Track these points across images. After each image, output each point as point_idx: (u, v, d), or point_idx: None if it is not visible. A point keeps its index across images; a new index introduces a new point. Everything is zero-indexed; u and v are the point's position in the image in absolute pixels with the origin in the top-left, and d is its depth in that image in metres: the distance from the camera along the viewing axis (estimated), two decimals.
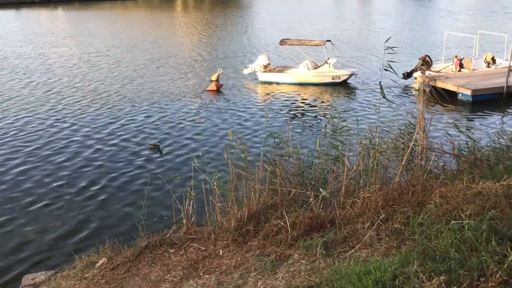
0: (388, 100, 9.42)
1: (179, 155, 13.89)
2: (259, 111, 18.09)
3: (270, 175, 7.67)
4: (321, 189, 7.13)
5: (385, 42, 7.92)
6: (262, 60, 22.27)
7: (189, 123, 16.69)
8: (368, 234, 5.86)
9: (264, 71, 22.07)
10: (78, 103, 19.15)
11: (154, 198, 10.96)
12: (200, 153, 13.43)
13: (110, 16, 50.45)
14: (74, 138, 15.29)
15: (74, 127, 16.30)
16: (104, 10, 55.11)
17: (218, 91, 20.73)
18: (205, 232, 6.94)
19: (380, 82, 8.14)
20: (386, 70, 8.19)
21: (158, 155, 13.89)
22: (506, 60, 20.40)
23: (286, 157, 8.18)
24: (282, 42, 22.68)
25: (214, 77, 21.69)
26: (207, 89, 20.90)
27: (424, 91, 8.54)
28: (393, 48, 7.98)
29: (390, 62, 7.89)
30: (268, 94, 20.61)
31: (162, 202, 10.66)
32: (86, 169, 12.99)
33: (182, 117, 17.27)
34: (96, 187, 11.92)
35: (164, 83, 22.24)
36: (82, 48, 31.58)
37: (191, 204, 7.47)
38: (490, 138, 10.60)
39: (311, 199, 6.88)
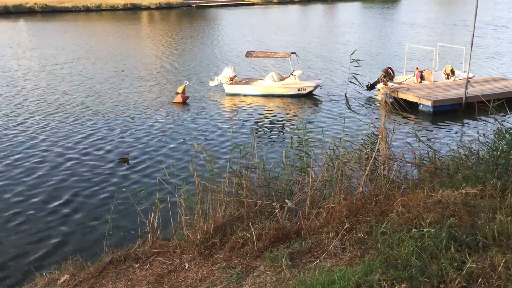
0: (353, 111, 9.63)
1: (146, 168, 13.77)
2: (225, 123, 18.12)
3: (236, 187, 7.70)
4: (286, 200, 7.20)
5: (351, 55, 8.10)
6: (228, 72, 22.34)
7: (156, 135, 16.58)
8: (332, 244, 5.93)
9: (230, 83, 22.14)
10: (45, 116, 18.77)
11: (120, 212, 10.80)
12: (167, 166, 13.35)
13: (74, 28, 49.73)
14: (39, 152, 14.98)
15: (41, 141, 15.96)
16: (68, 22, 54.28)
17: (184, 103, 20.68)
18: (170, 246, 6.89)
19: (345, 94, 8.33)
20: (351, 82, 8.40)
21: (125, 168, 13.72)
22: (464, 72, 21.08)
23: (252, 169, 8.22)
24: (248, 54, 22.83)
25: (180, 89, 21.63)
26: (173, 101, 20.83)
27: (386, 102, 8.76)
28: (358, 61, 8.17)
29: (355, 75, 8.09)
30: (234, 106, 20.68)
31: (128, 216, 10.51)
32: (52, 183, 12.75)
33: (149, 130, 17.16)
34: (61, 202, 11.70)
35: (131, 95, 22.04)
36: (47, 60, 30.97)
37: (157, 218, 7.41)
38: (450, 147, 10.91)
39: (277, 211, 6.93)
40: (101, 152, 15.00)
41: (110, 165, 13.97)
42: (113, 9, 66.20)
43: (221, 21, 55.89)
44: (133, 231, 9.82)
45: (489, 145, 8.40)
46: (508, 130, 8.10)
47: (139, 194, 10.88)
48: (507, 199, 6.31)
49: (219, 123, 18.03)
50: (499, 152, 7.80)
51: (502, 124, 8.46)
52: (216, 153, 14.53)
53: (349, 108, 8.58)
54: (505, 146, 7.90)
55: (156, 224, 7.34)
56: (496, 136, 8.17)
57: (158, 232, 7.36)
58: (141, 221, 7.67)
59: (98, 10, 65.43)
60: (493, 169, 7.56)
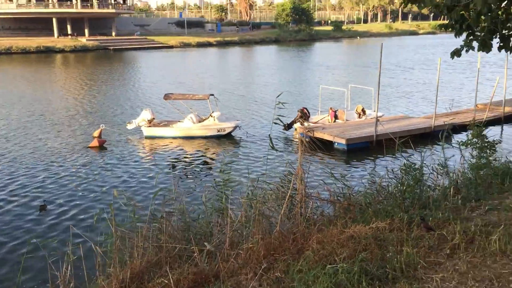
0: (277, 150, 9.85)
1: (60, 216, 13.13)
2: (144, 166, 17.80)
3: (156, 231, 7.56)
4: (206, 243, 7.15)
5: (277, 97, 8.34)
6: (146, 114, 22.14)
7: (71, 181, 15.93)
8: (250, 285, 5.93)
9: (149, 126, 21.93)
10: None
11: (29, 265, 10.16)
12: (82, 214, 12.84)
13: None
14: None
15: None
16: None
17: (101, 147, 20.16)
18: None
19: (269, 135, 8.56)
20: (275, 123, 8.66)
21: (38, 217, 13.01)
22: (374, 111, 22.32)
23: (173, 212, 8.13)
24: (166, 97, 22.79)
25: (96, 133, 21.06)
26: (89, 145, 20.23)
27: (302, 141, 9.08)
28: (283, 104, 8.43)
29: (279, 116, 8.36)
30: (153, 149, 20.43)
31: (38, 269, 9.91)
32: None
33: (64, 176, 16.47)
34: None
35: (45, 141, 21.17)
36: None
37: (69, 269, 7.05)
38: (363, 183, 11.44)
39: (195, 254, 6.86)
40: (13, 201, 14.17)
41: (20, 214, 13.19)
42: (25, 52, 63.92)
43: (139, 64, 55.64)
44: (47, 285, 9.25)
45: (397, 180, 8.91)
46: (413, 165, 8.65)
47: (51, 244, 10.33)
48: (413, 231, 6.68)
49: (138, 167, 17.68)
50: (405, 187, 8.30)
51: (408, 160, 9.03)
52: (136, 198, 14.17)
53: (273, 148, 8.77)
54: (411, 181, 8.43)
55: (68, 276, 6.97)
56: (403, 171, 8.70)
57: (71, 284, 6.99)
58: (52, 274, 7.26)
59: (8, 53, 62.88)
60: (401, 203, 8.01)
